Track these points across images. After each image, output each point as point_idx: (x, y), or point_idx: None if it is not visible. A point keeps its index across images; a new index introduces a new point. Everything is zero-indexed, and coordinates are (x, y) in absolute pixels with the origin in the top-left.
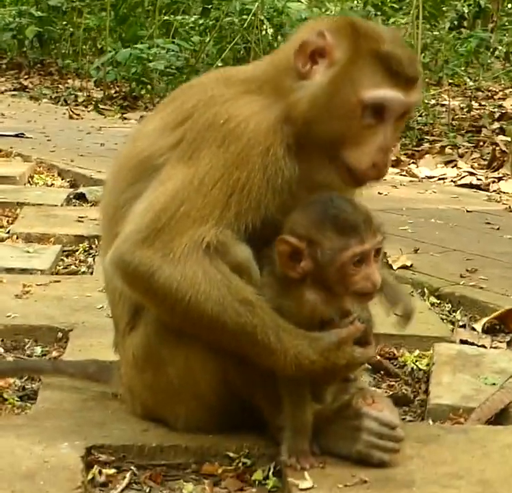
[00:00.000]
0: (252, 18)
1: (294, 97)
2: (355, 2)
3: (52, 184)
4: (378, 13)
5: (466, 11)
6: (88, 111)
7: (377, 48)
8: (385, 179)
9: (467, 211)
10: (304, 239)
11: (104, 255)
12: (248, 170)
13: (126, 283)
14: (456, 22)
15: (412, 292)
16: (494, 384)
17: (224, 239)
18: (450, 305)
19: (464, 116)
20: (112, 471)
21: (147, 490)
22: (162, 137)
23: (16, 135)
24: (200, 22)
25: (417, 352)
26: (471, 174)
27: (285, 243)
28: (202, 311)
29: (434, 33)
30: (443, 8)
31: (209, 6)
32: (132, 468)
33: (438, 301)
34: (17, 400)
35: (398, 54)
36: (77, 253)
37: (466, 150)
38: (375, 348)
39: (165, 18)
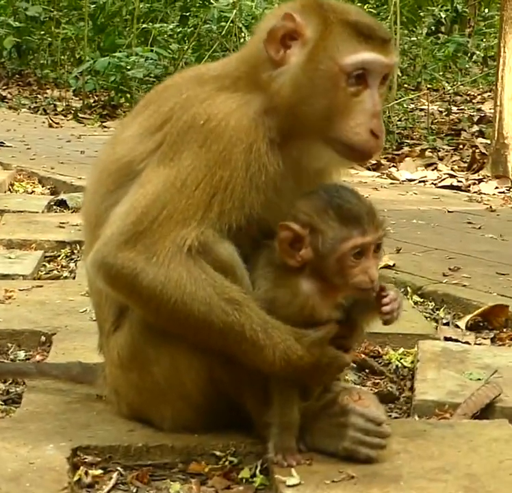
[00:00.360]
0: (231, 25)
1: (274, 86)
2: None
3: (32, 191)
4: None
5: (443, 16)
6: (68, 120)
7: (346, 18)
8: (366, 182)
9: (449, 211)
10: (306, 227)
11: (86, 249)
12: (230, 169)
13: (109, 285)
14: (433, 28)
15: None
16: (479, 379)
17: (206, 240)
18: (433, 303)
19: (443, 120)
20: (98, 472)
21: (134, 490)
22: (142, 142)
23: None
24: (179, 30)
25: (401, 350)
26: (452, 176)
27: (287, 229)
28: (188, 312)
29: (412, 38)
30: (421, 13)
31: (187, 14)
32: (118, 468)
33: (421, 300)
34: (1, 404)
35: (366, 20)
36: (59, 259)
37: (446, 153)
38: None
39: (144, 26)
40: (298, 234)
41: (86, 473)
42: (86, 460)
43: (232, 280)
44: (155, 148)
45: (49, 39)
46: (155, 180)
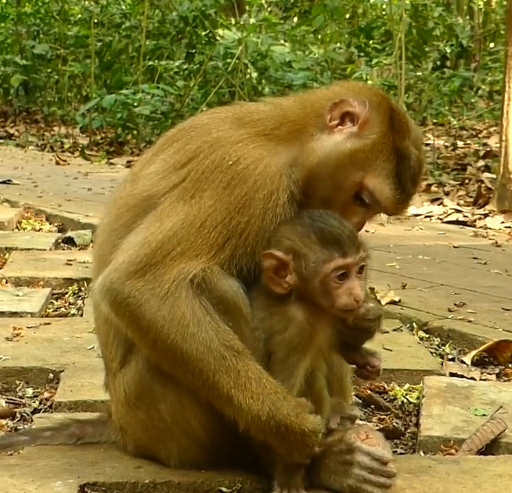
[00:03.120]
0: (236, 61)
1: (310, 146)
2: (338, 44)
3: (40, 229)
4: (361, 54)
5: (448, 51)
6: (75, 157)
7: (400, 147)
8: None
9: (454, 246)
10: (290, 252)
11: (94, 284)
12: (249, 216)
13: (113, 310)
14: (439, 63)
15: (401, 326)
16: (484, 415)
17: (211, 274)
18: (438, 339)
19: (449, 155)
20: None
21: None
22: (165, 178)
23: (3, 182)
24: (185, 66)
25: (407, 385)
26: (458, 211)
27: (271, 257)
28: (186, 349)
29: (418, 73)
30: (426, 48)
31: (193, 51)
32: None
33: (427, 335)
34: None
35: (412, 165)
36: (67, 296)
37: (452, 188)
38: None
39: (150, 63)
40: (282, 260)
41: None
42: None
43: (237, 317)
44: (177, 183)
45: (56, 76)
46: (174, 217)
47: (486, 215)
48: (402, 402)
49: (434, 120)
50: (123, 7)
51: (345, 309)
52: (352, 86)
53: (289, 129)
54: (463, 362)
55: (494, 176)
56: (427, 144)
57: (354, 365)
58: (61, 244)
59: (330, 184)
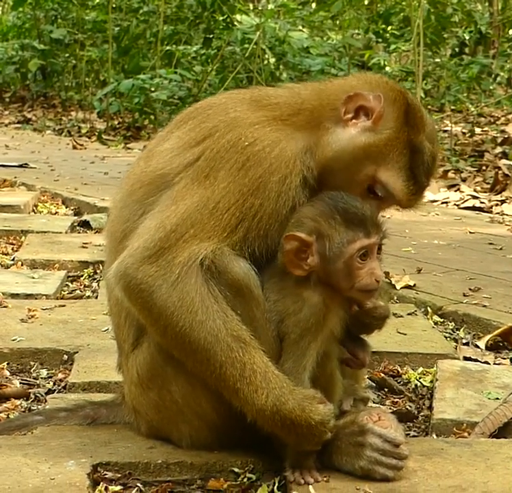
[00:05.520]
0: (254, 47)
1: (325, 138)
2: (356, 30)
3: (56, 212)
4: (379, 40)
5: (467, 37)
6: (92, 142)
7: (415, 141)
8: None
9: (470, 232)
10: (313, 234)
11: (109, 265)
12: (262, 198)
13: (126, 296)
14: (457, 49)
15: (415, 311)
16: (497, 399)
17: (222, 256)
18: (453, 323)
19: (466, 141)
20: (118, 488)
21: None
22: (179, 155)
23: (20, 166)
24: (202, 52)
25: (420, 369)
26: (474, 197)
27: (293, 238)
28: (194, 338)
29: (436, 60)
30: (445, 35)
31: (211, 36)
32: (138, 484)
33: (441, 320)
34: None
35: (426, 160)
36: (82, 278)
37: (469, 174)
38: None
39: (167, 48)
40: (305, 242)
41: (106, 489)
42: (106, 476)
43: (248, 300)
44: (192, 161)
45: (74, 61)
46: (189, 199)
47: (503, 201)
48: (416, 385)
49: (452, 107)
50: None
51: (365, 289)
52: (368, 79)
53: (305, 119)
54: (477, 346)
55: (511, 162)
56: (445, 131)
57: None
58: (77, 228)
59: (344, 177)
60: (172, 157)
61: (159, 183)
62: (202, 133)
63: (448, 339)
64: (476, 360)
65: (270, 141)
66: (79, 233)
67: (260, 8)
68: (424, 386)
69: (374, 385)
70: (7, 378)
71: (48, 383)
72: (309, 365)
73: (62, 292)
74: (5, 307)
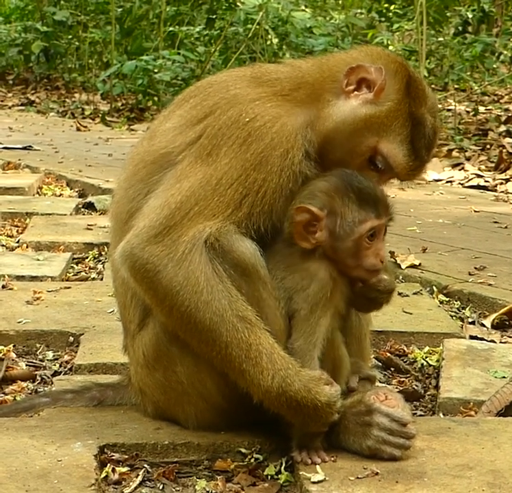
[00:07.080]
0: (257, 27)
1: (326, 111)
2: (359, 9)
3: (61, 194)
4: (382, 19)
5: (470, 16)
6: (95, 124)
7: (416, 114)
8: (392, 182)
9: (475, 211)
10: (325, 209)
11: (114, 247)
12: (265, 173)
13: (132, 276)
14: (460, 28)
15: (421, 290)
16: (504, 377)
17: (227, 235)
18: (459, 302)
19: (470, 120)
20: (125, 469)
21: (160, 487)
22: (181, 134)
23: (24, 148)
24: (205, 32)
25: (426, 348)
26: (479, 176)
27: (305, 211)
28: (200, 318)
29: (439, 39)
30: (448, 14)
31: (214, 16)
32: (145, 465)
33: (447, 299)
34: None
35: (427, 132)
36: (87, 260)
37: (473, 153)
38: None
39: (170, 29)
40: (316, 216)
41: (113, 470)
42: (113, 457)
43: (254, 279)
44: (194, 139)
45: (77, 43)
46: (192, 177)
47: (507, 180)
48: (422, 364)
49: (456, 86)
50: None
51: (370, 269)
52: (370, 51)
53: (306, 92)
54: (483, 325)
55: None
56: (448, 110)
57: None
58: (82, 209)
59: (345, 148)
60: (175, 135)
61: (162, 162)
62: (203, 111)
63: (454, 318)
64: (482, 339)
65: (270, 116)
66: (84, 214)
67: None
68: (430, 365)
69: (380, 364)
70: (13, 360)
71: (55, 365)
72: (319, 343)
73: (67, 274)
74: (10, 289)
